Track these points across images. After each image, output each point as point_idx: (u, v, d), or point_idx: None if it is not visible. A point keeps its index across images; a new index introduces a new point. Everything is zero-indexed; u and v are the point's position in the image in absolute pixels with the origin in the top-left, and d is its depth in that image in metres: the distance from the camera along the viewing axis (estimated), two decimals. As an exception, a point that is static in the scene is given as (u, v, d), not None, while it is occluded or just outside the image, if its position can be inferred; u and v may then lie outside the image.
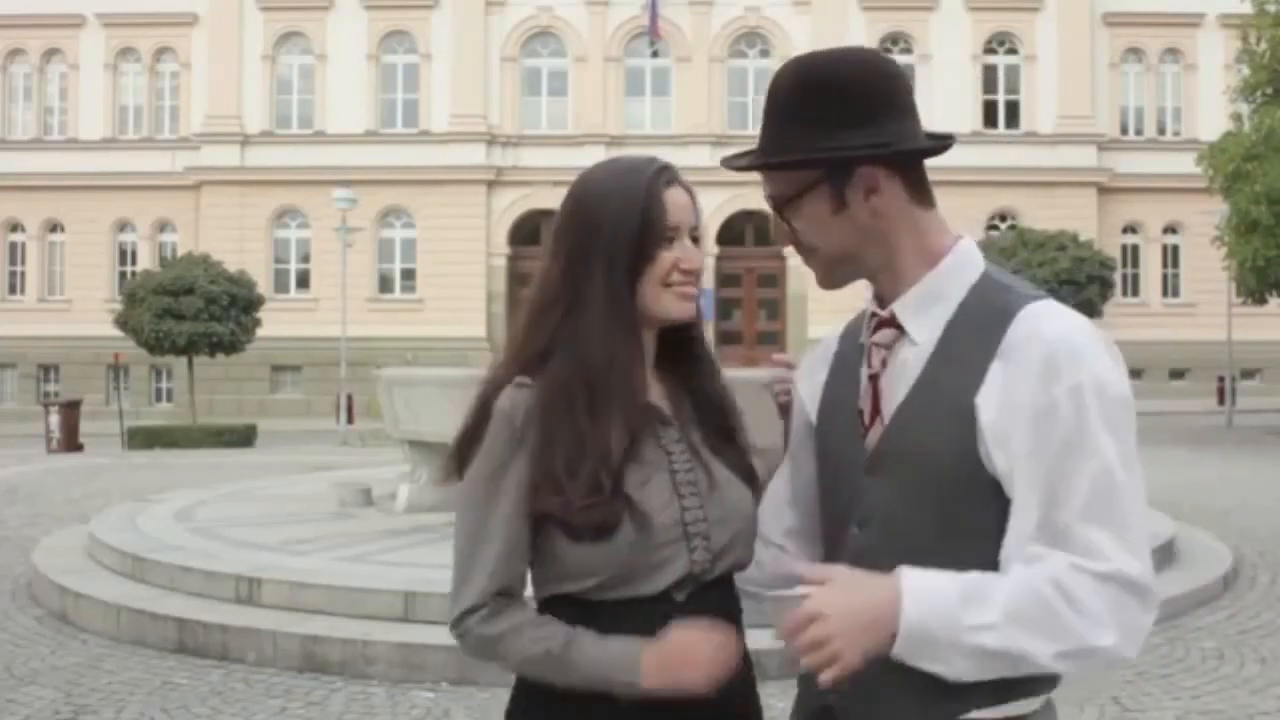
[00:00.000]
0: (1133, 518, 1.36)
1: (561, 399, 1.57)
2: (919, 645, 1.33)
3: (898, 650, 1.33)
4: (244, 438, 22.57)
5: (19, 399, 31.88)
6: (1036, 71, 32.70)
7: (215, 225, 31.82)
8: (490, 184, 32.39)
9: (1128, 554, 1.34)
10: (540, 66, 33.16)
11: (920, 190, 1.51)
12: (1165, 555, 8.04)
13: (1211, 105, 30.27)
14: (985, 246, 26.55)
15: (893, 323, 1.51)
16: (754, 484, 1.68)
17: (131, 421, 24.02)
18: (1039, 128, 32.53)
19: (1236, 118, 23.02)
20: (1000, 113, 32.93)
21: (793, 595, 1.36)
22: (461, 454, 1.62)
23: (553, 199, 34.25)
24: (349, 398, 25.55)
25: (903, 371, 1.48)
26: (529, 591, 1.64)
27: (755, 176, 1.54)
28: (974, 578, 1.35)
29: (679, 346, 1.70)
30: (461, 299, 31.81)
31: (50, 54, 33.50)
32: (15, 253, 33.62)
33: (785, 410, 1.75)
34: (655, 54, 32.76)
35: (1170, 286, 33.17)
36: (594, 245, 1.61)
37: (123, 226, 33.24)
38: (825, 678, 1.33)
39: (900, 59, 32.88)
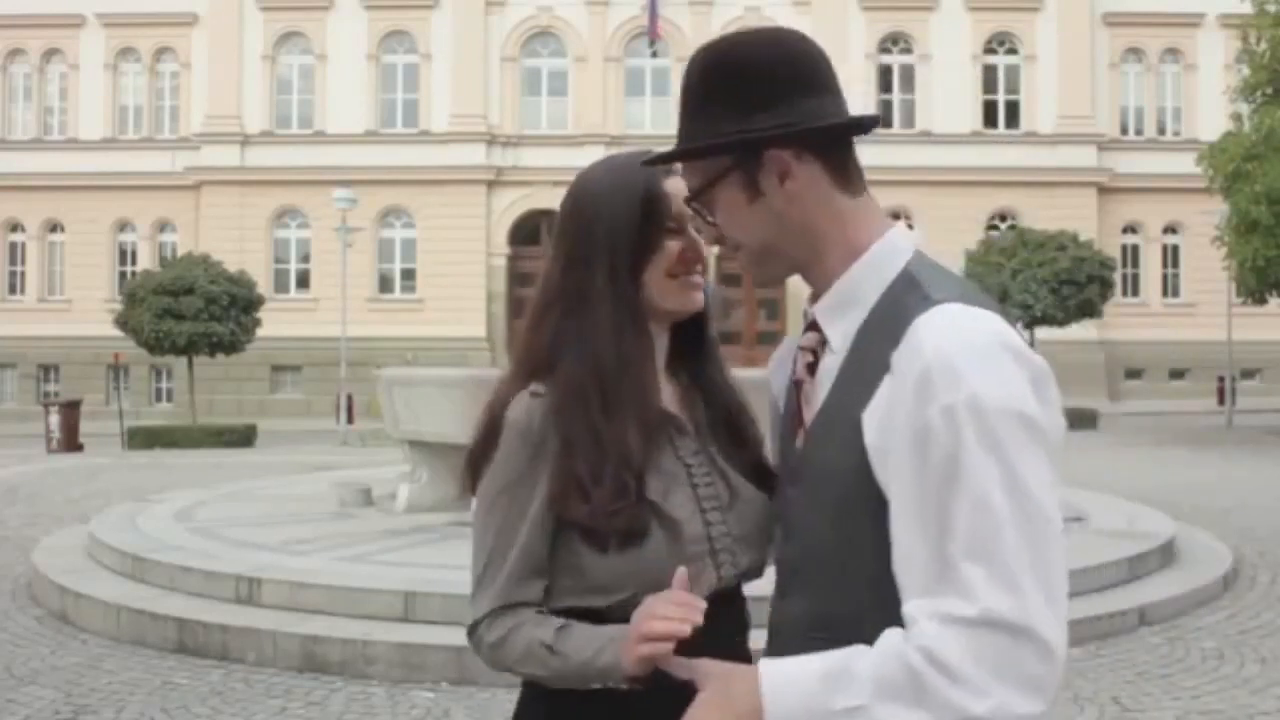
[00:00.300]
0: (1020, 549, 1.19)
1: (576, 402, 1.52)
2: None
3: None
4: (244, 438, 22.57)
5: (19, 399, 31.87)
6: (1036, 71, 32.69)
7: (215, 225, 31.82)
8: (490, 184, 32.40)
9: (1000, 590, 1.18)
10: (540, 66, 33.17)
11: (844, 175, 1.39)
12: (1165, 555, 8.06)
13: (1211, 105, 30.27)
14: (985, 246, 26.59)
15: (817, 325, 1.41)
16: (768, 483, 1.64)
17: (131, 421, 24.02)
18: (1039, 128, 32.53)
19: (1236, 118, 23.02)
20: (1000, 113, 32.92)
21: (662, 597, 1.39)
22: (474, 470, 1.58)
23: (553, 199, 34.20)
24: (349, 398, 25.54)
25: (825, 379, 1.39)
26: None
27: None
28: (839, 655, 1.24)
29: (688, 342, 1.67)
30: (461, 299, 31.81)
31: (50, 54, 33.51)
32: (15, 253, 33.63)
33: None
34: (655, 54, 32.78)
35: (1170, 286, 33.18)
36: (596, 241, 1.58)
37: (123, 226, 33.24)
38: None
39: (900, 59, 32.95)
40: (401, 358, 25.06)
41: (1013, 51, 33.09)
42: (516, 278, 32.50)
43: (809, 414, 1.41)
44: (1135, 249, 33.19)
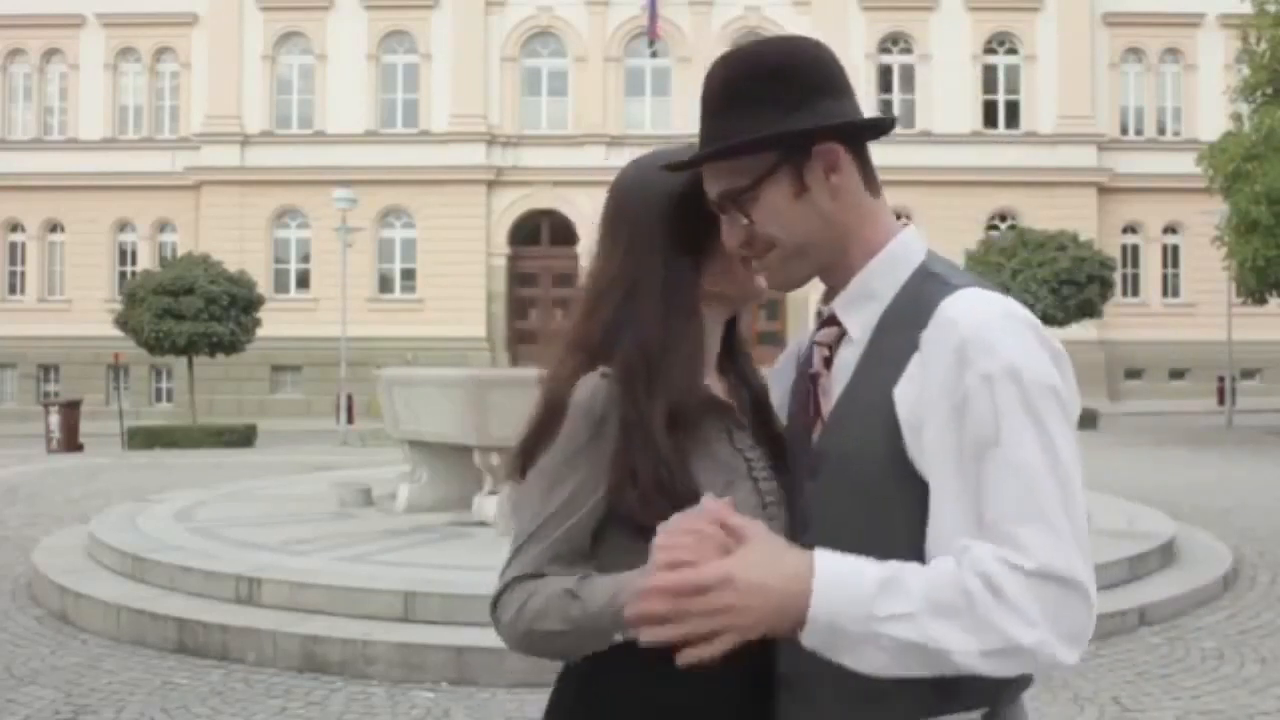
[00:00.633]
0: (1062, 511, 1.26)
1: (629, 384, 1.49)
2: (827, 638, 1.24)
3: (806, 643, 1.26)
4: (244, 438, 22.58)
5: (19, 399, 31.89)
6: (1036, 71, 32.71)
7: (215, 225, 31.84)
8: (490, 184, 32.40)
9: (1052, 549, 1.24)
10: (540, 66, 33.17)
11: (870, 174, 1.44)
12: (1165, 555, 8.06)
13: (1211, 105, 30.30)
14: (985, 246, 26.60)
15: (835, 320, 1.45)
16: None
17: (131, 421, 24.03)
18: (1039, 128, 32.54)
19: (1236, 118, 23.03)
20: (1000, 113, 32.94)
21: (692, 514, 1.28)
22: (526, 454, 1.53)
23: (553, 199, 34.41)
24: (349, 398, 25.55)
25: (842, 371, 1.43)
26: None
27: None
28: (893, 565, 1.26)
29: (727, 337, 1.63)
30: (461, 299, 31.82)
31: (50, 54, 33.52)
32: (15, 253, 33.65)
33: None
34: (654, 54, 32.78)
35: (1170, 286, 33.19)
36: (652, 226, 1.54)
37: (123, 226, 33.26)
38: (691, 655, 1.22)
39: (900, 59, 32.96)
40: (401, 358, 25.06)
41: (1013, 51, 33.10)
42: (516, 278, 32.51)
43: (826, 406, 1.44)
44: (1135, 249, 33.21)
